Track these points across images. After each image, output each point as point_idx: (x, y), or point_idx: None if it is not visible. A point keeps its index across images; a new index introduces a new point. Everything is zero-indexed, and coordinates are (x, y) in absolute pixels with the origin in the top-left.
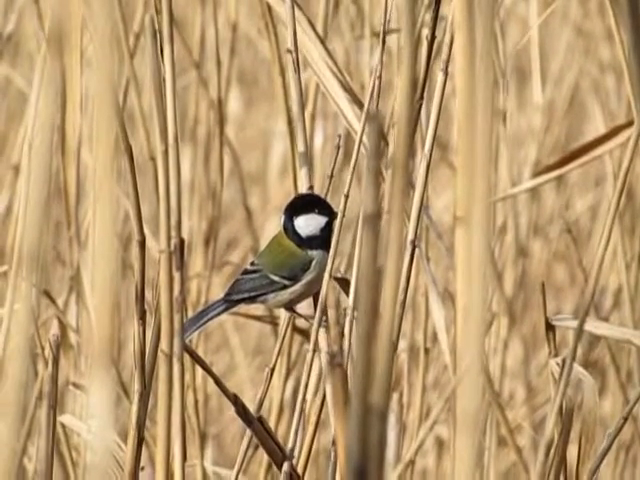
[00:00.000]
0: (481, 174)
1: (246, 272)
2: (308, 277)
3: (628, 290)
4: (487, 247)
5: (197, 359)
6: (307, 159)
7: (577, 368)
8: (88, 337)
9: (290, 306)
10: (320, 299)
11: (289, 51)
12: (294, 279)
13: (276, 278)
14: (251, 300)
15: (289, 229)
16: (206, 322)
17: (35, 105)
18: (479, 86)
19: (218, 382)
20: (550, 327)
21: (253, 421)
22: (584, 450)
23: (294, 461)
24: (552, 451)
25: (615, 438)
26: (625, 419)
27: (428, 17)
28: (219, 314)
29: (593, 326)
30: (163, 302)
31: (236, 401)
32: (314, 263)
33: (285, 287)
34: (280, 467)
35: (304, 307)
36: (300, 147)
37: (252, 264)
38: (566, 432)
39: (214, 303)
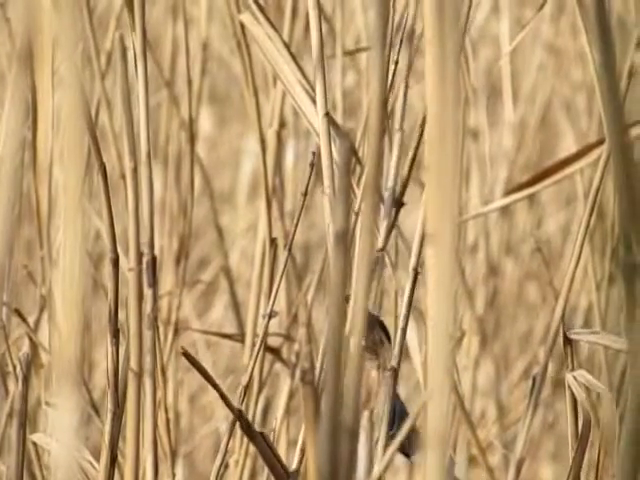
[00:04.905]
0: (450, 192)
1: None
2: None
3: (598, 310)
4: (456, 265)
5: (199, 368)
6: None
7: (594, 382)
8: (57, 355)
9: None
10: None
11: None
12: None
13: None
14: None
15: None
16: None
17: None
18: (448, 103)
19: (222, 395)
20: (568, 341)
21: (256, 436)
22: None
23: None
24: (523, 470)
25: None
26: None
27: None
28: None
29: (610, 340)
30: (132, 319)
31: (240, 416)
32: None
33: None
34: None
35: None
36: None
37: None
38: (582, 449)
39: None
